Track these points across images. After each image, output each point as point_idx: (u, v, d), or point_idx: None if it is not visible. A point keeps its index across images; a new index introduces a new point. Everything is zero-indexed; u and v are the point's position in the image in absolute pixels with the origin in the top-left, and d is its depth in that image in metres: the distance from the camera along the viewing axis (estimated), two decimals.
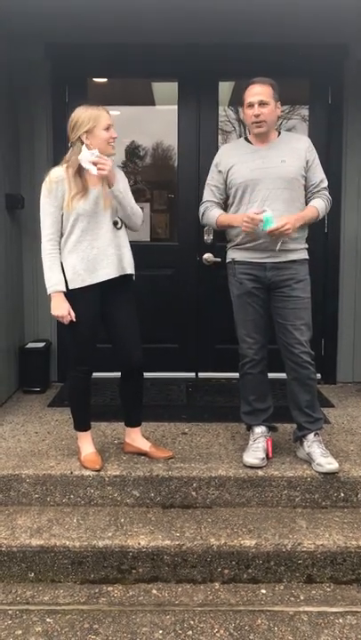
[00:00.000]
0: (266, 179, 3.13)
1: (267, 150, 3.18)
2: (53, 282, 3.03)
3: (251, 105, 3.11)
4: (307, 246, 3.29)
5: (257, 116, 3.09)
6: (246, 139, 3.29)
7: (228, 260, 3.32)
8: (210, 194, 3.32)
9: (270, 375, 3.35)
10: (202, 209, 3.37)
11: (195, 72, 4.56)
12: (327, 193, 3.28)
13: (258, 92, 3.09)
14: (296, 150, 3.18)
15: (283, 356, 3.24)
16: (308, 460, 3.19)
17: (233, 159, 3.22)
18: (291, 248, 3.17)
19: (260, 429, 3.29)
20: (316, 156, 3.26)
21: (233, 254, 3.28)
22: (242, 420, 3.40)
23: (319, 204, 3.23)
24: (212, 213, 3.30)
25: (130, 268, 3.14)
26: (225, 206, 3.32)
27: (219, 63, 4.48)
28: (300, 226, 3.14)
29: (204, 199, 3.36)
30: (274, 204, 3.10)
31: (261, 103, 3.09)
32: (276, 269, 3.17)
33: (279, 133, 3.27)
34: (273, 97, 3.12)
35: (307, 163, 3.19)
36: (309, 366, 3.18)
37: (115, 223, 3.07)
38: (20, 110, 4.54)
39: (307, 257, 3.27)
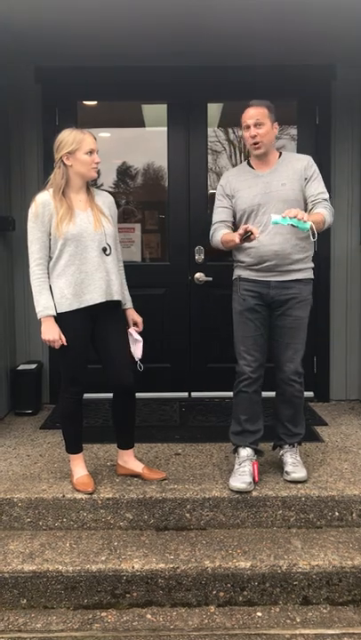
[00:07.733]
0: (268, 203, 3.16)
1: (269, 175, 3.22)
2: (43, 306, 3.03)
3: (247, 127, 3.17)
4: (312, 266, 3.29)
5: (253, 136, 3.15)
6: (249, 163, 3.33)
7: (233, 277, 3.34)
8: (219, 214, 3.33)
9: (263, 394, 3.33)
10: (211, 231, 3.38)
11: (183, 94, 4.61)
12: (329, 204, 3.22)
13: (253, 114, 3.15)
14: (295, 171, 3.21)
15: (274, 371, 3.27)
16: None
17: (238, 184, 3.26)
18: (296, 268, 3.19)
19: (245, 452, 3.25)
20: (317, 171, 3.25)
21: (239, 272, 3.29)
22: (230, 439, 3.37)
23: (323, 211, 3.15)
24: (217, 234, 3.32)
25: (117, 295, 3.13)
26: (235, 228, 3.30)
27: (207, 85, 4.54)
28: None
29: (213, 222, 3.36)
30: (278, 226, 3.10)
31: (257, 124, 3.13)
32: (280, 288, 3.19)
33: (280, 154, 3.29)
34: (269, 117, 3.16)
35: (305, 180, 3.20)
36: (295, 384, 3.23)
37: (104, 249, 3.08)
38: (10, 133, 4.57)
39: (311, 277, 3.28)
